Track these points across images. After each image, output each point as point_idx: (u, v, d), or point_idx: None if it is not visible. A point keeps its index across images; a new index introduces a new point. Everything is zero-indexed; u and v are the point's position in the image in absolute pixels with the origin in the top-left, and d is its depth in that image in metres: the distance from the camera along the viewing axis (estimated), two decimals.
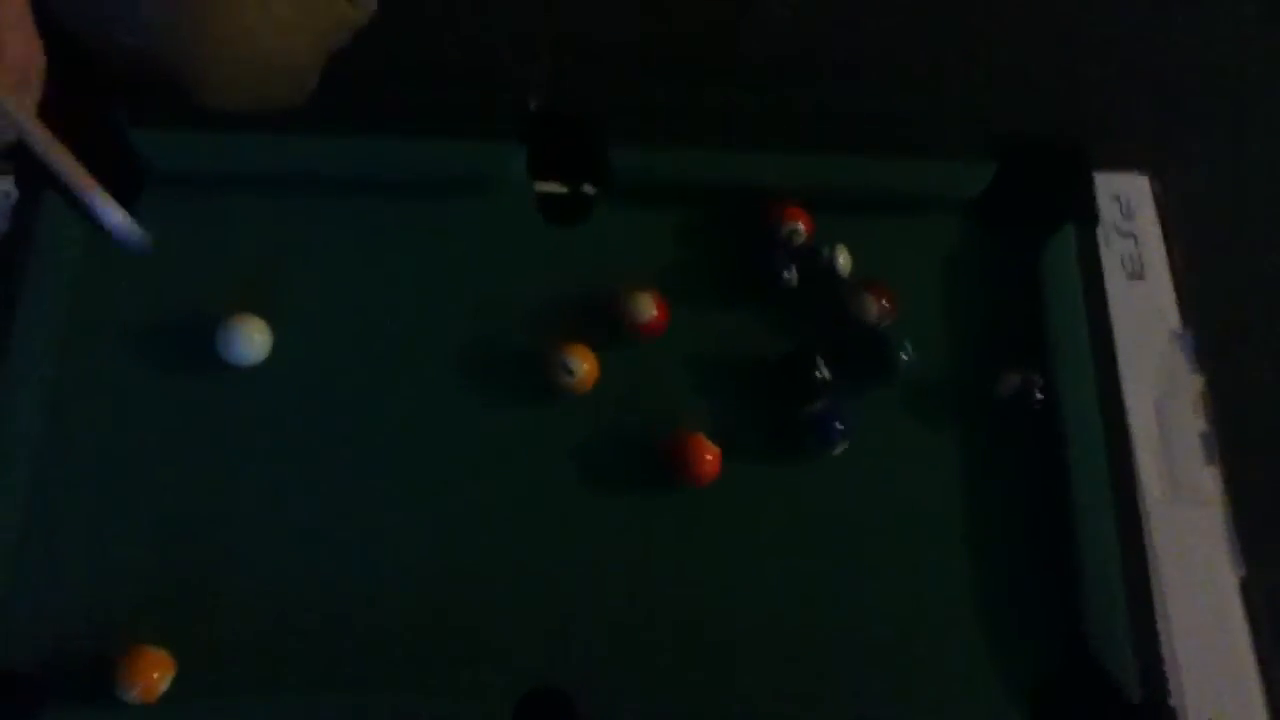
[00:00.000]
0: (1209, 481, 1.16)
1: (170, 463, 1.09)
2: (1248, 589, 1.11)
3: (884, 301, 1.16)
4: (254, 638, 1.03)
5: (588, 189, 1.23)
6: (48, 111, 1.12)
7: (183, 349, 1.13)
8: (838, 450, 1.11)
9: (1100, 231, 1.25)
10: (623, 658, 1.04)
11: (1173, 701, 1.04)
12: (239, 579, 1.05)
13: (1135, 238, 1.28)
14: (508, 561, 1.07)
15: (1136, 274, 1.26)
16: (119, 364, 1.13)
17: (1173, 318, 1.25)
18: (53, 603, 1.03)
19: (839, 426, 1.11)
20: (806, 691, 1.04)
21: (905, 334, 1.17)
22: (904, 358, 1.15)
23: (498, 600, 1.06)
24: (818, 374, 1.13)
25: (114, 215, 1.12)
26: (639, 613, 1.06)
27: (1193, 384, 1.21)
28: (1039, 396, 1.12)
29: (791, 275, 1.17)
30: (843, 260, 1.18)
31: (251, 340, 1.11)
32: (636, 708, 1.02)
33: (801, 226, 1.20)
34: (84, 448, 1.09)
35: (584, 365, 1.11)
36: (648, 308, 1.14)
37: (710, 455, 1.09)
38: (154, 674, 0.99)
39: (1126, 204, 1.30)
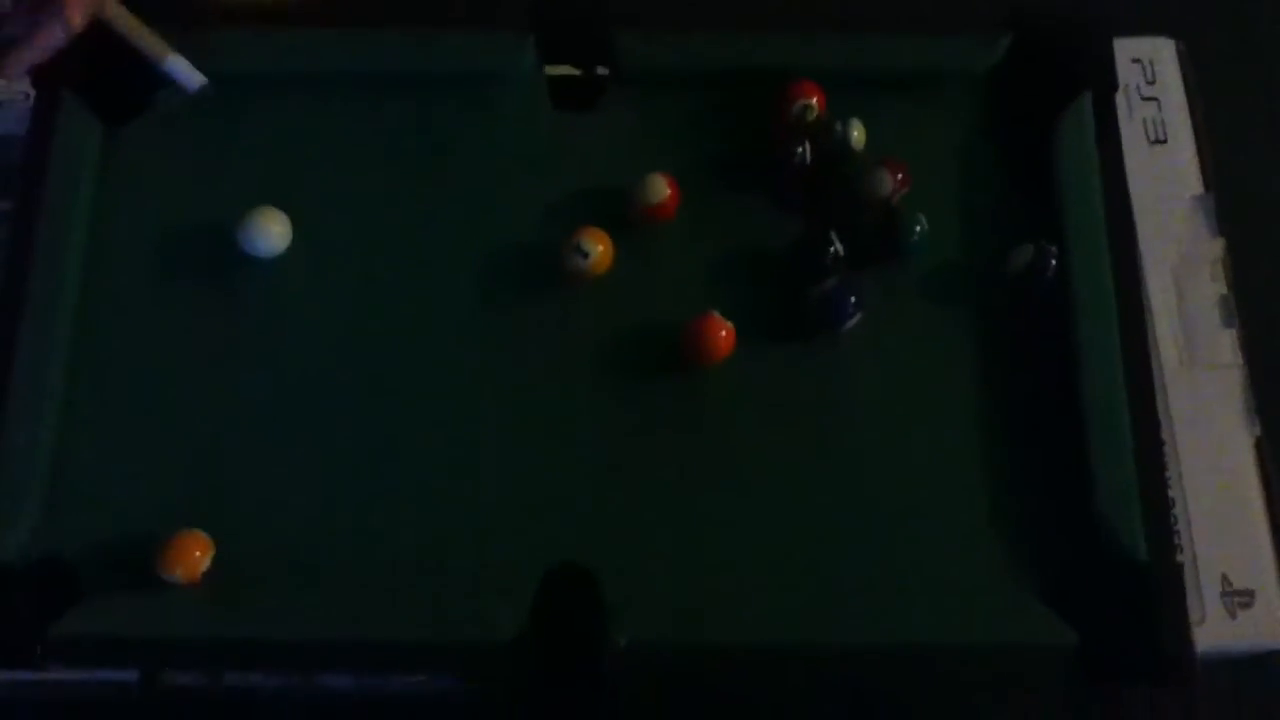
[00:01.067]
0: (1226, 345, 1.17)
1: (200, 358, 1.12)
2: (1262, 450, 1.12)
3: (897, 176, 1.16)
4: (287, 528, 1.07)
5: (600, 71, 1.23)
6: None
7: (206, 247, 1.15)
8: (850, 325, 1.12)
9: (1122, 96, 1.23)
10: (642, 536, 1.07)
11: (1183, 560, 1.06)
12: (269, 468, 1.09)
13: (1158, 102, 1.26)
14: (527, 445, 1.10)
15: (1158, 138, 1.25)
16: (143, 261, 1.15)
17: (1194, 181, 1.23)
18: (94, 494, 1.07)
19: (852, 300, 1.12)
20: (817, 573, 1.05)
21: (920, 210, 1.16)
22: (917, 232, 1.15)
23: (518, 483, 1.09)
24: (831, 249, 1.14)
25: (188, 74, 1.17)
26: (657, 492, 1.08)
27: (1213, 248, 1.20)
28: (1053, 264, 1.12)
29: (805, 152, 1.17)
30: (856, 134, 1.18)
31: (270, 231, 1.14)
32: (655, 583, 1.04)
33: (815, 102, 1.19)
34: (116, 345, 1.12)
35: (598, 247, 1.13)
36: (660, 189, 1.14)
37: (724, 332, 1.10)
38: (195, 553, 1.03)
39: (1149, 67, 1.28)
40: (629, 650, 1.00)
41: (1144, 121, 1.25)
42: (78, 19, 1.10)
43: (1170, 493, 1.09)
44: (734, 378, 1.12)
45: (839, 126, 1.17)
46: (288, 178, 1.18)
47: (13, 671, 1.04)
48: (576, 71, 1.23)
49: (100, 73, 1.16)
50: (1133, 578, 1.03)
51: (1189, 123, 1.25)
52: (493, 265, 1.16)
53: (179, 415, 1.11)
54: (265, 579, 1.05)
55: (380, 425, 1.11)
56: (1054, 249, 1.12)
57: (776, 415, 1.12)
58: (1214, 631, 1.05)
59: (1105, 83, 1.21)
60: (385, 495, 1.08)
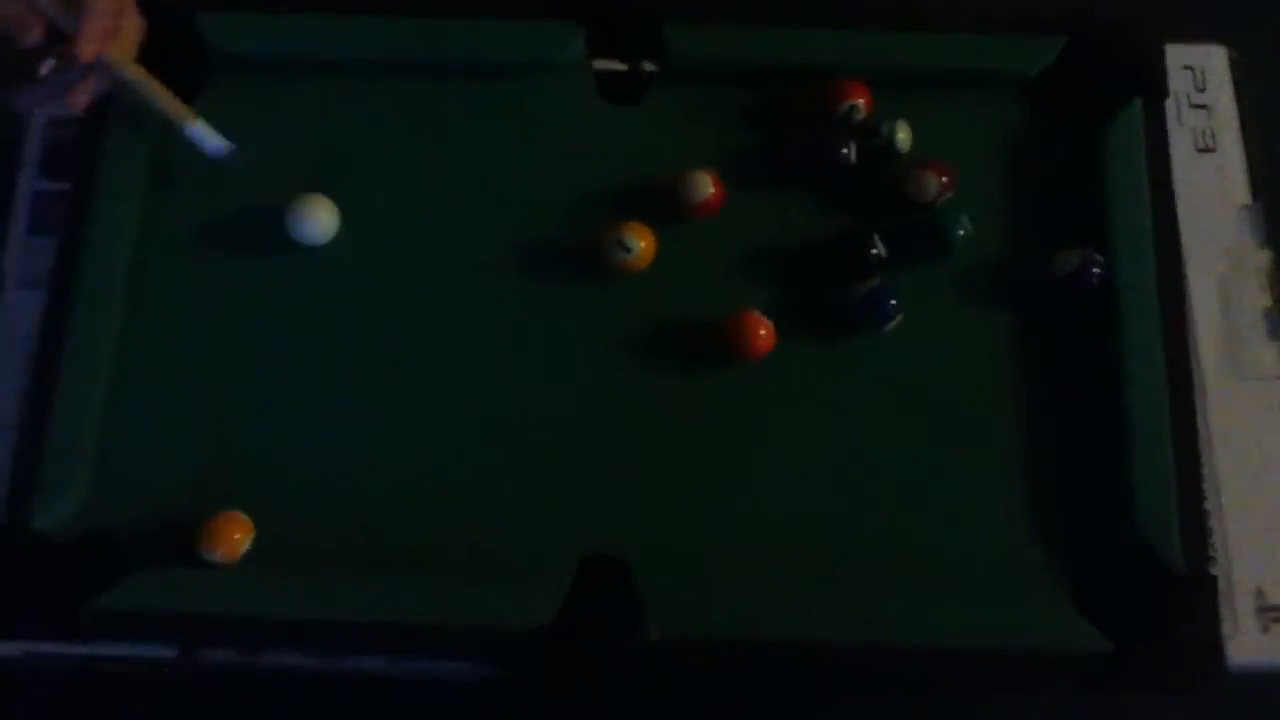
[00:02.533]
0: (1271, 358, 1.16)
1: (246, 341, 1.14)
2: None
3: (942, 179, 1.16)
4: (328, 510, 1.09)
5: (647, 66, 1.23)
6: None
7: (253, 232, 1.17)
8: (890, 326, 1.12)
9: (1171, 104, 1.22)
10: (678, 529, 1.08)
11: (1219, 573, 1.06)
12: (312, 451, 1.11)
13: (1208, 109, 1.25)
14: (566, 435, 1.11)
15: (1207, 147, 1.24)
16: (192, 248, 1.17)
17: (1242, 191, 1.22)
18: (139, 472, 1.10)
19: (893, 303, 1.12)
20: (852, 570, 1.06)
21: (964, 211, 1.16)
22: (961, 234, 1.15)
23: (556, 473, 1.10)
24: (874, 251, 1.14)
25: (208, 138, 1.15)
26: (694, 486, 1.09)
27: (1259, 258, 1.19)
28: (1097, 273, 1.11)
29: (850, 152, 1.17)
30: (902, 136, 1.18)
31: (319, 219, 1.15)
32: (690, 577, 1.05)
33: (861, 103, 1.19)
34: (164, 326, 1.14)
35: (641, 243, 1.13)
36: (705, 186, 1.15)
37: (764, 330, 1.11)
38: (236, 535, 1.05)
39: (1201, 75, 1.27)
40: (662, 642, 1.01)
41: (1193, 130, 1.24)
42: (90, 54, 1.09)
43: (1207, 505, 1.08)
44: (774, 375, 1.13)
45: (885, 128, 1.17)
46: (335, 164, 1.20)
47: (55, 643, 1.06)
48: (623, 66, 1.23)
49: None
50: (1167, 588, 1.03)
51: (1238, 131, 1.24)
52: (536, 256, 1.17)
53: (224, 397, 1.13)
54: (304, 560, 1.07)
55: (422, 412, 1.12)
56: (1099, 257, 1.12)
57: (815, 413, 1.12)
58: (1246, 645, 1.04)
59: (1156, 89, 1.20)
60: (425, 480, 1.10)
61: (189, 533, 1.06)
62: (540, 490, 1.09)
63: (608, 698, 1.13)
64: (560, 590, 1.03)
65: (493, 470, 1.10)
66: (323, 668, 1.10)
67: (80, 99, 1.10)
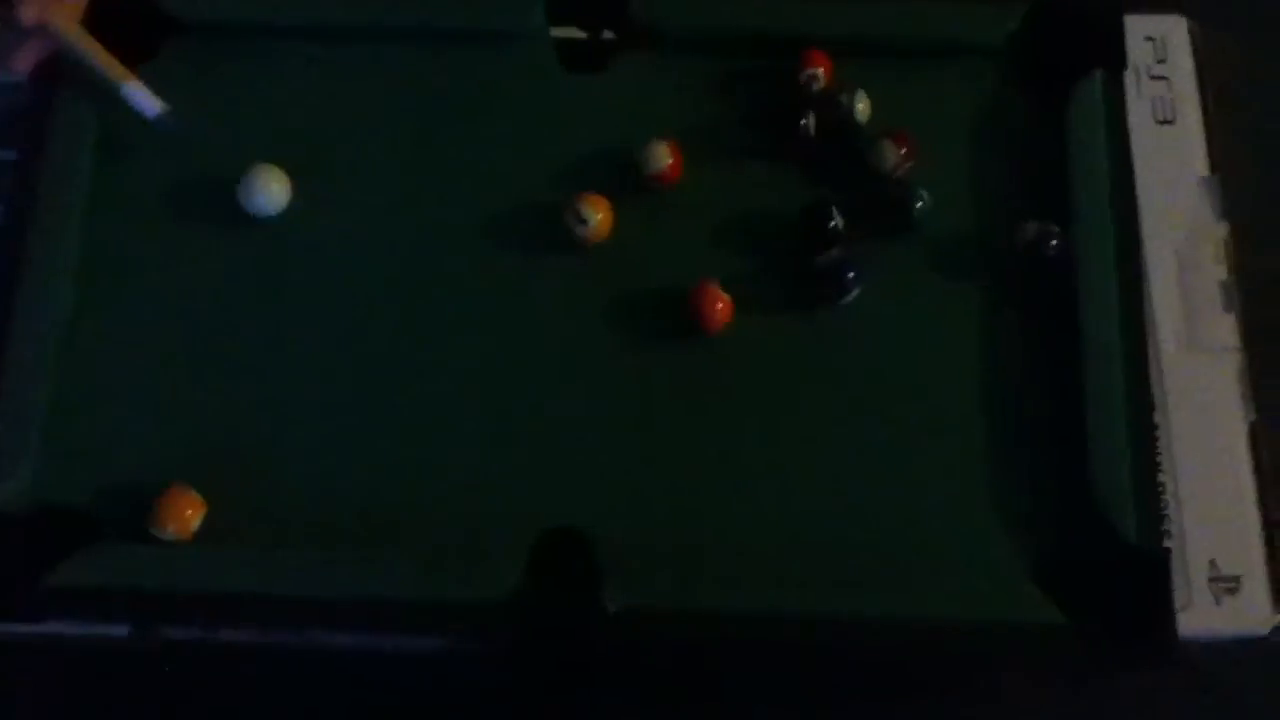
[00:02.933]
0: (1226, 329, 1.16)
1: (200, 313, 1.13)
2: (1256, 436, 1.12)
3: (902, 149, 1.15)
4: (284, 484, 1.08)
5: (607, 34, 1.22)
6: None
7: (207, 203, 1.15)
8: (850, 299, 1.12)
9: (1131, 75, 1.22)
10: (636, 502, 1.07)
11: (1174, 545, 1.07)
12: (267, 426, 1.10)
13: (1168, 81, 1.25)
14: (524, 409, 1.10)
15: (1167, 119, 1.24)
16: (144, 219, 1.15)
17: (1201, 163, 1.22)
18: (92, 448, 1.08)
19: (851, 275, 1.11)
20: (812, 543, 1.06)
21: (925, 183, 1.16)
22: (919, 206, 1.14)
23: (516, 445, 1.09)
24: (833, 224, 1.13)
25: (147, 102, 1.13)
26: (653, 459, 1.09)
27: (1217, 231, 1.20)
28: (1054, 244, 1.11)
29: (809, 122, 1.16)
30: (861, 107, 1.17)
31: (270, 190, 1.13)
32: (648, 549, 1.05)
33: (821, 72, 1.18)
34: (115, 299, 1.13)
35: (597, 215, 1.12)
36: (662, 156, 1.14)
37: (721, 303, 1.10)
38: (188, 511, 1.04)
39: (1161, 46, 1.26)
40: (621, 615, 1.01)
41: (1153, 101, 1.23)
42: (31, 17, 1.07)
43: (1162, 476, 1.09)
44: (734, 346, 1.12)
45: (844, 98, 1.16)
46: (290, 134, 1.18)
47: (8, 622, 1.04)
48: (583, 34, 1.22)
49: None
50: (1122, 561, 1.03)
51: (1198, 103, 1.24)
52: (494, 229, 1.16)
53: (177, 372, 1.11)
54: (262, 535, 1.06)
55: (379, 385, 1.11)
56: (1056, 228, 1.12)
57: (776, 386, 1.12)
58: (1199, 617, 1.05)
59: (1115, 60, 1.20)
60: (383, 454, 1.09)
61: (142, 509, 1.04)
62: (499, 464, 1.09)
63: (570, 671, 1.13)
64: (520, 563, 1.03)
65: (451, 444, 1.09)
66: (284, 644, 1.10)
67: (22, 63, 1.08)
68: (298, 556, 1.05)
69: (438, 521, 1.07)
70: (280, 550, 1.05)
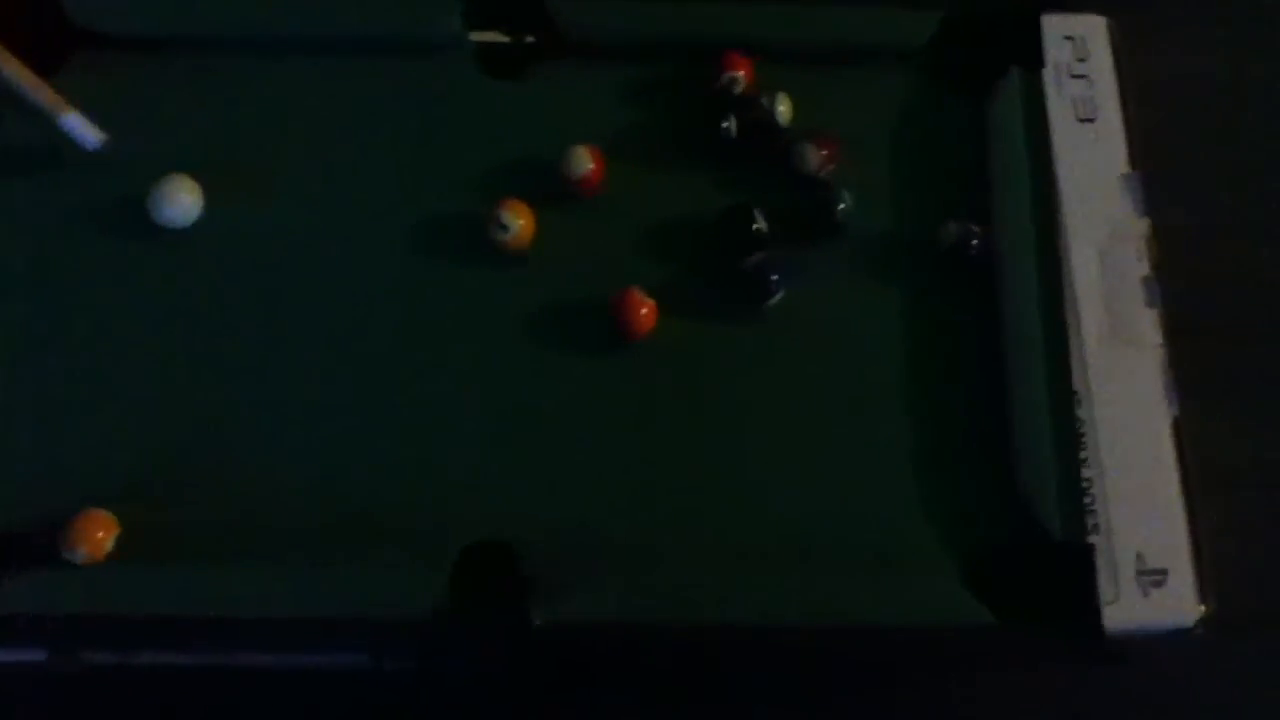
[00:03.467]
0: (1149, 324, 1.17)
1: (109, 331, 1.10)
2: (1179, 430, 1.13)
3: (823, 151, 1.15)
4: (199, 504, 1.05)
5: (529, 39, 1.20)
6: None
7: (116, 216, 1.13)
8: (775, 301, 1.11)
9: (1052, 74, 1.23)
10: (562, 512, 1.06)
11: (1101, 537, 1.07)
12: (181, 443, 1.07)
13: (1088, 79, 1.26)
14: (448, 420, 1.09)
15: (1087, 116, 1.24)
16: (52, 235, 1.13)
17: (1122, 160, 1.23)
18: (2, 470, 1.05)
19: (774, 278, 1.11)
20: (736, 550, 1.05)
21: (849, 185, 1.16)
22: (842, 208, 1.14)
23: (438, 459, 1.07)
24: (756, 227, 1.13)
25: (87, 133, 1.11)
26: (578, 468, 1.08)
27: (1138, 226, 1.20)
28: (975, 244, 1.12)
29: (730, 125, 1.15)
30: (783, 109, 1.17)
31: (181, 201, 1.11)
32: (575, 559, 1.04)
33: (742, 74, 1.18)
34: (23, 321, 1.10)
35: (519, 221, 1.11)
36: (583, 161, 1.13)
37: (645, 309, 1.09)
38: (99, 533, 1.01)
39: (1081, 45, 1.27)
40: (547, 627, 0.99)
41: (1074, 99, 1.24)
42: None
43: (1088, 472, 1.09)
44: (659, 353, 1.11)
45: (765, 100, 1.16)
46: (205, 145, 1.16)
47: None
48: (506, 39, 1.21)
49: None
50: (1047, 557, 1.03)
51: (1118, 101, 1.25)
52: (417, 237, 1.14)
53: (88, 390, 1.08)
54: (177, 556, 1.03)
55: (296, 400, 1.09)
56: (977, 228, 1.12)
57: (701, 391, 1.11)
58: (1126, 610, 1.05)
59: (1033, 60, 1.20)
60: (300, 471, 1.07)
61: (54, 531, 1.01)
62: (422, 477, 1.07)
63: (495, 685, 1.11)
64: (444, 580, 1.01)
65: (370, 456, 1.07)
66: (206, 664, 1.07)
67: None
68: (217, 576, 1.02)
69: (359, 538, 1.04)
70: (198, 570, 1.02)
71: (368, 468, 1.07)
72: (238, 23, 1.18)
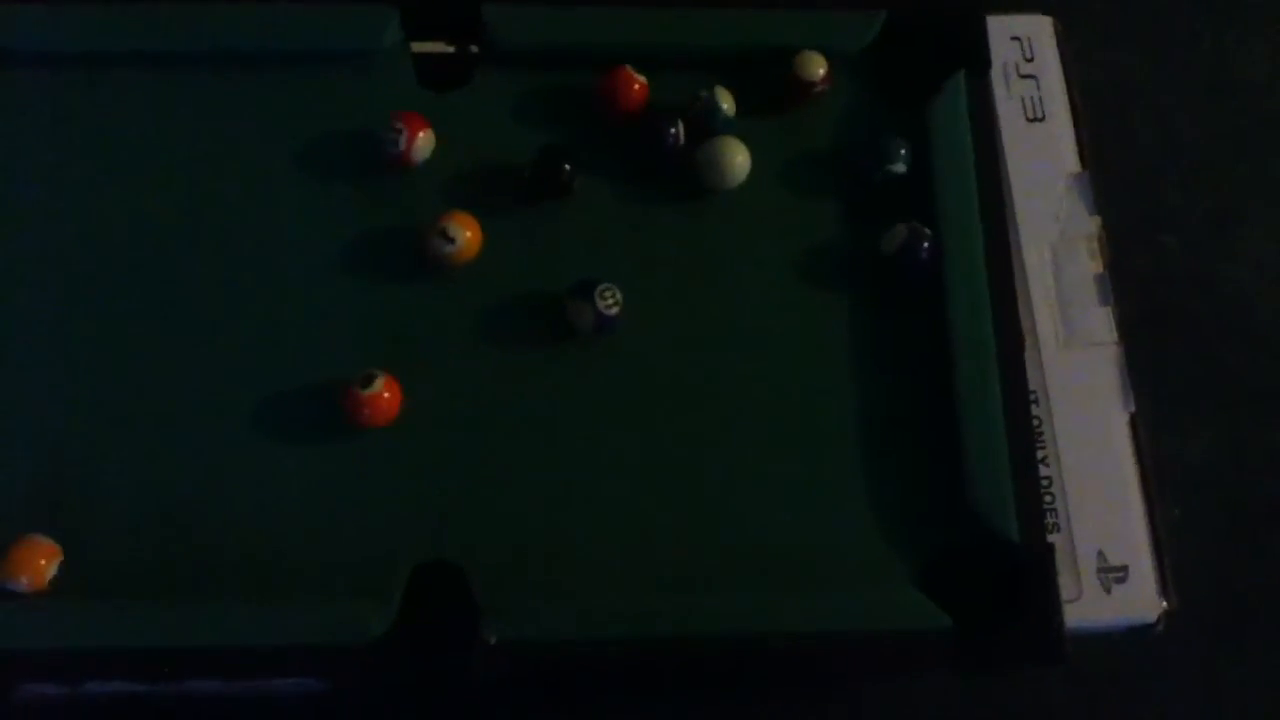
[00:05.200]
0: (1102, 323, 1.17)
1: (43, 351, 1.08)
2: (1136, 427, 1.13)
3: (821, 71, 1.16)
4: (142, 531, 1.03)
5: (472, 49, 1.19)
6: None
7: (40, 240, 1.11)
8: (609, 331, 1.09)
9: (1000, 74, 1.23)
10: (512, 532, 1.04)
11: (1061, 538, 1.07)
12: (122, 468, 1.05)
13: (1036, 79, 1.26)
14: (392, 440, 1.06)
15: (1036, 116, 1.25)
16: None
17: (1072, 159, 1.23)
18: None
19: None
20: (689, 564, 1.04)
21: (794, 191, 1.15)
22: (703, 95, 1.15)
23: (384, 480, 1.05)
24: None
25: None
26: (527, 487, 1.06)
27: (1089, 225, 1.21)
28: (926, 246, 1.11)
29: (678, 131, 1.14)
30: (726, 106, 1.15)
31: None
32: (526, 579, 1.02)
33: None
34: None
35: (465, 233, 1.09)
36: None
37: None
38: (41, 560, 0.99)
39: (1028, 45, 1.27)
40: (499, 647, 0.98)
41: (1022, 99, 1.24)
42: None
43: (1047, 471, 1.09)
44: (608, 363, 1.10)
45: (704, 94, 1.15)
46: (134, 163, 1.14)
47: None
48: (449, 49, 1.19)
49: None
50: (1005, 559, 1.03)
51: (1066, 100, 1.25)
52: (356, 254, 1.12)
53: (26, 415, 1.06)
54: (121, 584, 1.01)
55: (236, 422, 1.06)
56: (927, 231, 1.11)
57: (651, 404, 1.09)
58: (1089, 608, 1.05)
59: (979, 61, 1.20)
60: (246, 495, 1.04)
61: None
62: (368, 498, 1.05)
63: (449, 708, 1.09)
64: (393, 602, 0.99)
65: (317, 481, 1.05)
66: (154, 693, 1.05)
67: None
68: (163, 606, 1.00)
69: (307, 562, 1.02)
70: (143, 600, 1.00)
71: (308, 493, 1.05)
72: (166, 37, 1.16)
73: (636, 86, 1.14)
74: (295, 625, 0.99)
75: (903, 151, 1.15)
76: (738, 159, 1.13)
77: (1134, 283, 1.21)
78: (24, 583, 0.98)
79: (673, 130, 1.14)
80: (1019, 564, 1.03)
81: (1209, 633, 1.32)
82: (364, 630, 0.98)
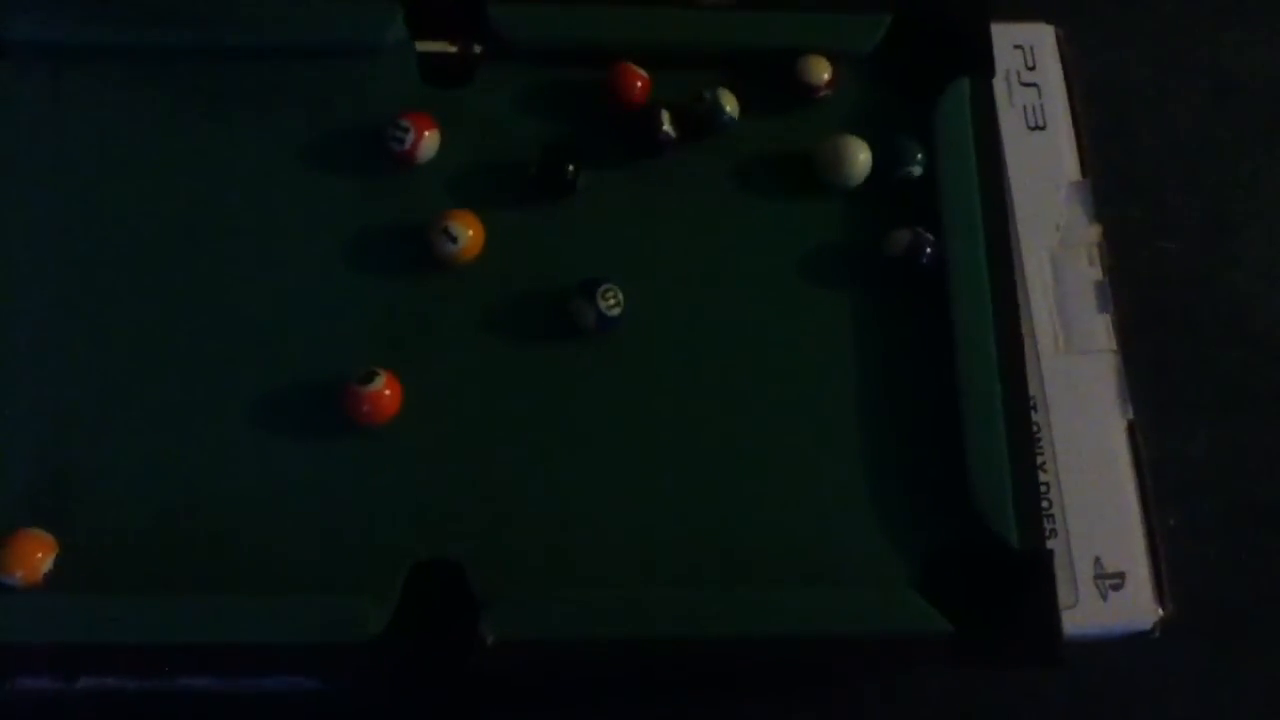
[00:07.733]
0: (1102, 330, 1.17)
1: (42, 344, 1.07)
2: (1134, 434, 1.13)
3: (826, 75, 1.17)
4: (138, 526, 1.02)
5: (476, 48, 1.19)
6: None
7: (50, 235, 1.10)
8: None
9: (1002, 82, 1.23)
10: (511, 529, 1.04)
11: (1059, 544, 1.07)
12: (119, 463, 1.04)
13: (1038, 88, 1.26)
14: (391, 438, 1.06)
15: (1038, 124, 1.25)
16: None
17: (1073, 168, 1.24)
18: None
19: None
20: (690, 564, 1.04)
21: (797, 194, 1.15)
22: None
23: (384, 477, 1.05)
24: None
25: None
26: (526, 484, 1.06)
27: (1089, 233, 1.21)
28: (929, 252, 1.11)
29: (669, 129, 1.14)
30: (729, 107, 1.16)
31: None
32: (525, 577, 1.02)
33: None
34: None
35: (469, 232, 1.09)
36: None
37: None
38: (36, 554, 0.98)
39: (1030, 53, 1.28)
40: (497, 646, 0.97)
41: (1024, 107, 1.25)
42: None
43: (1045, 477, 1.10)
44: (610, 362, 1.10)
45: (707, 94, 1.15)
46: (141, 156, 1.13)
47: None
48: (452, 48, 1.19)
49: None
50: (1004, 564, 1.03)
51: (1068, 109, 1.26)
52: (358, 248, 1.12)
53: (22, 408, 1.05)
54: (117, 579, 1.00)
55: (236, 416, 1.06)
56: (930, 235, 1.12)
57: (651, 402, 1.09)
58: (1086, 614, 1.05)
59: (983, 68, 1.20)
60: (244, 490, 1.04)
61: None
62: (366, 496, 1.04)
63: (447, 707, 1.09)
64: (392, 599, 0.99)
65: (316, 478, 1.05)
66: (149, 689, 1.04)
67: None
68: (159, 601, 0.99)
69: (304, 560, 1.02)
70: (138, 595, 0.99)
71: (307, 490, 1.04)
72: (171, 31, 1.15)
73: (640, 84, 1.14)
74: (293, 622, 0.98)
75: (919, 155, 1.15)
76: (860, 156, 1.14)
77: (1134, 285, 1.21)
78: (19, 576, 0.97)
79: (665, 128, 1.14)
80: (1018, 566, 1.03)
81: (1206, 639, 1.32)
82: (362, 628, 0.98)
